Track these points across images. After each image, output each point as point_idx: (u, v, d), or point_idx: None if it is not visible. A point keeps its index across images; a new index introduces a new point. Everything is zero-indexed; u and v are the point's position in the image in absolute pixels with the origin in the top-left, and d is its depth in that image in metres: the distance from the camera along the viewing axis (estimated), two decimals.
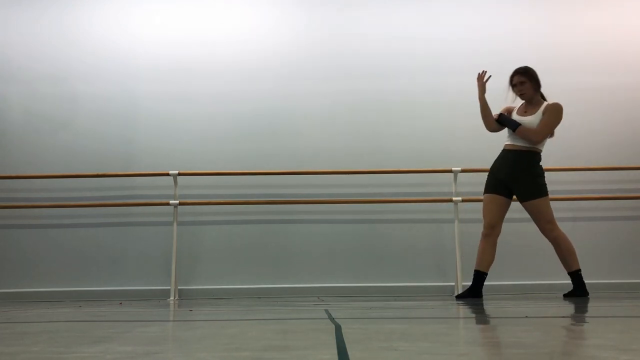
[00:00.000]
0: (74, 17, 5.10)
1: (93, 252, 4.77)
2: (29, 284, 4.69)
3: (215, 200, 4.75)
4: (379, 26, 5.12)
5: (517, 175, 3.84)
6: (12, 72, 5.02)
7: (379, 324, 2.18)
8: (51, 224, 4.81)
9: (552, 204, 4.82)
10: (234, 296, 4.56)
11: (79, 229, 4.81)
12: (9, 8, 5.08)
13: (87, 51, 5.05)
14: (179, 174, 4.68)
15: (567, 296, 3.94)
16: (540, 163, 3.91)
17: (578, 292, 3.89)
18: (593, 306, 2.93)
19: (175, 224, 4.59)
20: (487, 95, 4.05)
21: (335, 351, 1.32)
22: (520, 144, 3.88)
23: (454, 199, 4.60)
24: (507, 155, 3.91)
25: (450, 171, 4.70)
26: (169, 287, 4.56)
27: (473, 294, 3.84)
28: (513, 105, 4.05)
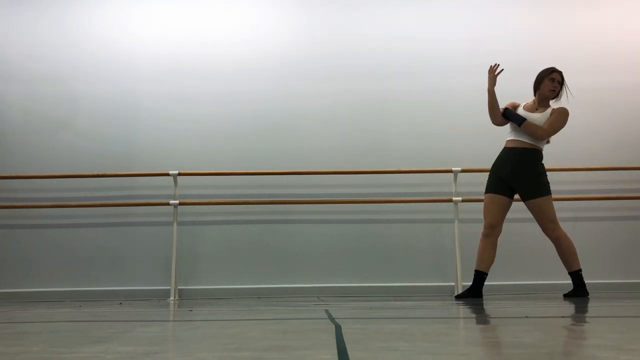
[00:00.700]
0: (73, 17, 5.10)
1: (93, 252, 4.77)
2: (29, 284, 4.69)
3: (215, 200, 4.75)
4: (379, 26, 5.12)
5: (519, 174, 3.83)
6: (12, 72, 5.02)
7: (379, 324, 2.17)
8: (51, 224, 4.81)
9: (553, 203, 4.82)
10: (234, 296, 4.56)
11: (79, 229, 4.81)
12: (8, 8, 5.08)
13: (87, 51, 5.05)
14: (179, 174, 4.67)
15: (567, 296, 3.94)
16: (543, 162, 3.91)
17: (578, 292, 3.88)
18: (593, 306, 2.93)
19: (175, 224, 4.59)
20: None
21: (335, 351, 1.32)
22: (523, 139, 3.87)
23: (454, 199, 4.60)
24: (508, 153, 3.90)
25: (450, 171, 4.69)
26: (169, 287, 4.56)
27: (473, 294, 3.83)
28: (518, 102, 4.05)
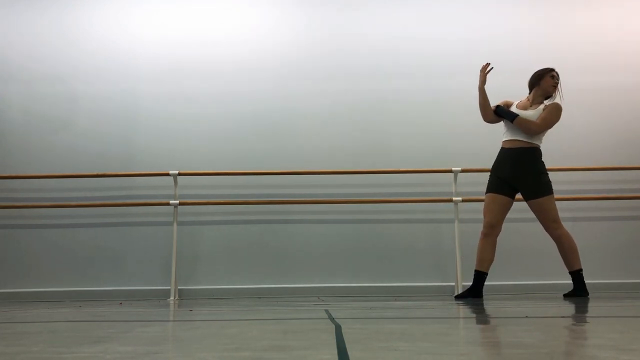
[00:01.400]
0: (74, 17, 5.10)
1: (93, 252, 4.77)
2: (29, 284, 4.69)
3: (215, 200, 4.75)
4: (379, 26, 5.12)
5: (519, 174, 3.83)
6: (12, 72, 5.02)
7: (379, 324, 2.17)
8: (51, 224, 4.81)
9: None
10: (234, 296, 4.56)
11: (79, 229, 4.81)
12: (9, 8, 5.08)
13: (87, 51, 5.05)
14: (179, 174, 4.68)
15: (567, 296, 3.94)
16: (542, 159, 3.90)
17: (578, 292, 3.88)
18: (593, 306, 2.93)
19: (175, 224, 4.59)
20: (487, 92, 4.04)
21: (335, 351, 1.32)
22: (519, 138, 3.86)
23: (454, 199, 4.60)
24: (506, 153, 3.90)
25: (450, 171, 4.69)
26: (169, 287, 4.56)
27: (473, 294, 3.83)
28: (511, 100, 4.05)
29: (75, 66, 5.02)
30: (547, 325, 1.94)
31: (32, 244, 4.77)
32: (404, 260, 4.76)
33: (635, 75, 5.06)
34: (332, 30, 5.12)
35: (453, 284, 4.59)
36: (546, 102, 3.97)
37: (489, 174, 4.03)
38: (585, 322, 2.07)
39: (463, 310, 2.82)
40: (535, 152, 3.87)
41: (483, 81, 3.98)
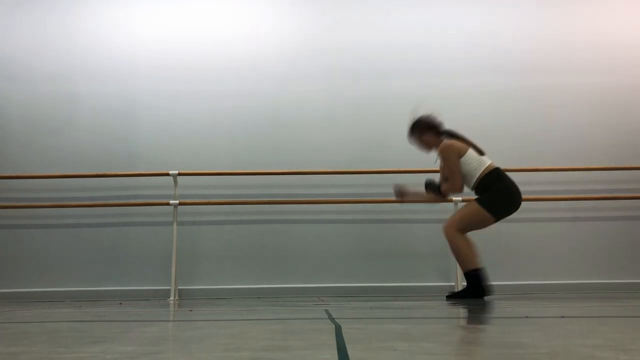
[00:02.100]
0: (74, 17, 5.11)
1: (93, 252, 4.77)
2: (29, 284, 4.70)
3: (215, 200, 4.75)
4: (379, 26, 5.12)
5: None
6: (13, 71, 5.02)
7: (379, 324, 2.17)
8: (51, 224, 4.82)
9: (552, 203, 4.83)
10: (234, 296, 4.56)
11: (79, 229, 4.81)
12: (10, 8, 5.08)
13: (88, 51, 5.05)
14: (179, 174, 4.68)
15: (450, 297, 3.77)
16: (505, 181, 3.75)
17: (462, 294, 3.73)
18: (593, 306, 2.93)
19: (175, 224, 4.59)
20: (489, 93, 4.03)
21: (335, 351, 1.32)
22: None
23: (453, 199, 4.60)
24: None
25: None
26: (169, 287, 4.56)
27: (477, 294, 3.74)
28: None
29: (76, 66, 5.03)
30: (547, 325, 1.94)
31: (32, 244, 4.77)
32: (404, 260, 4.76)
33: (635, 75, 5.07)
34: (332, 30, 5.12)
35: (453, 284, 4.59)
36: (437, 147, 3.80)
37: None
38: (585, 322, 2.07)
39: (463, 310, 2.82)
40: (480, 183, 3.72)
41: (414, 198, 3.86)
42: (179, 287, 4.63)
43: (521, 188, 4.86)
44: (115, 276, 4.74)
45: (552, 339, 1.52)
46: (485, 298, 3.65)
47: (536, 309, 2.82)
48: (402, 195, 3.87)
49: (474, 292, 3.65)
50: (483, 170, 3.73)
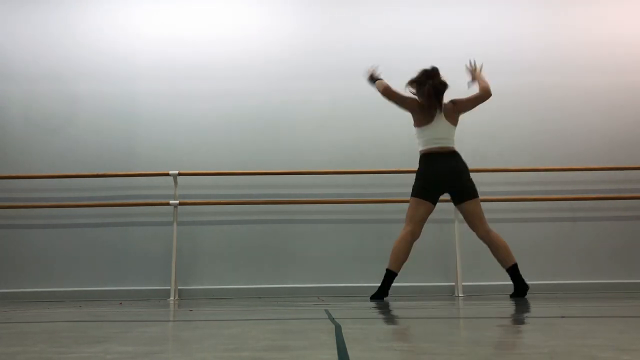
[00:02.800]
0: (74, 17, 5.11)
1: (93, 252, 4.77)
2: (29, 284, 4.70)
3: (215, 200, 4.75)
4: (379, 26, 5.12)
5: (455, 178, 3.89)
6: (13, 71, 5.02)
7: (379, 324, 2.17)
8: (51, 224, 4.82)
9: (552, 203, 4.84)
10: (234, 296, 4.56)
11: (79, 229, 4.81)
12: (9, 8, 5.08)
13: (88, 50, 5.05)
14: (179, 174, 4.68)
15: (512, 296, 3.88)
16: (420, 165, 3.98)
17: (521, 288, 3.84)
18: (593, 306, 2.93)
19: (175, 224, 4.59)
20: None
21: (335, 351, 1.32)
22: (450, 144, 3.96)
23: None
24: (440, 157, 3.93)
25: None
26: (169, 287, 4.56)
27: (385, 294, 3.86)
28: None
29: (76, 66, 5.03)
30: (547, 325, 1.94)
31: (33, 244, 4.78)
32: None
33: (636, 75, 5.07)
34: (332, 30, 5.13)
35: (453, 283, 4.59)
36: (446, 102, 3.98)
37: (440, 174, 3.95)
38: (585, 322, 2.07)
39: (463, 310, 2.82)
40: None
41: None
42: (179, 287, 4.63)
43: (521, 188, 4.87)
44: (115, 276, 4.74)
45: (552, 339, 1.52)
46: (384, 299, 3.83)
47: (536, 309, 2.82)
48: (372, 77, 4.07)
49: (380, 291, 3.86)
50: (422, 154, 4.01)
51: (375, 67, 4.07)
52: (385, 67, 5.09)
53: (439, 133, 3.90)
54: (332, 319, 2.20)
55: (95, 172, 4.77)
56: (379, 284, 3.95)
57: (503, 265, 3.89)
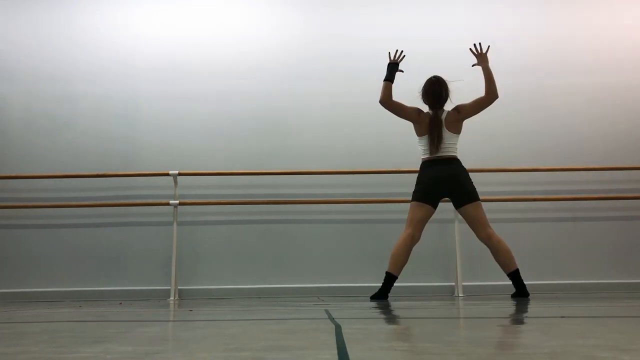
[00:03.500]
0: (74, 17, 5.11)
1: (93, 252, 4.77)
2: (29, 284, 4.70)
3: (215, 200, 4.75)
4: (379, 26, 5.12)
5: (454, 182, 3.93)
6: (13, 71, 5.02)
7: (379, 324, 2.18)
8: (51, 224, 4.82)
9: (552, 203, 4.84)
10: (234, 296, 4.56)
11: (79, 229, 4.81)
12: (9, 8, 5.08)
13: (87, 51, 5.05)
14: (179, 174, 4.68)
15: (513, 296, 3.91)
16: (420, 172, 4.01)
17: (521, 293, 3.87)
18: (593, 306, 2.93)
19: (175, 224, 4.59)
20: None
21: (335, 351, 1.32)
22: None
23: None
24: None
25: None
26: (169, 287, 4.56)
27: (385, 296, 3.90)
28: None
29: (76, 66, 5.03)
30: (547, 325, 1.94)
31: (33, 244, 4.77)
32: None
33: (636, 75, 5.07)
34: (332, 30, 5.13)
35: (453, 284, 4.59)
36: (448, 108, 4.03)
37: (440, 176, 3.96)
38: (585, 322, 2.07)
39: (463, 310, 2.82)
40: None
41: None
42: (179, 287, 4.63)
43: (521, 188, 4.87)
44: (115, 276, 4.74)
45: (552, 339, 1.52)
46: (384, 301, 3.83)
47: (536, 309, 2.82)
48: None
49: (380, 292, 3.90)
50: (421, 161, 4.03)
51: (401, 53, 4.09)
52: (385, 67, 5.10)
53: (437, 141, 3.93)
54: (332, 319, 2.20)
55: (95, 172, 4.77)
56: (380, 285, 3.95)
57: (504, 270, 3.90)
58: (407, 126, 5.14)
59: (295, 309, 2.99)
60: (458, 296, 4.32)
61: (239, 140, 4.94)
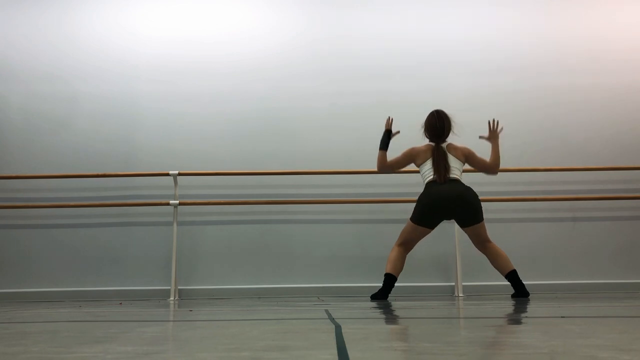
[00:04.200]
0: (73, 17, 5.11)
1: (93, 252, 4.77)
2: (29, 284, 4.70)
3: (215, 200, 4.75)
4: (379, 26, 5.12)
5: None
6: (12, 71, 5.02)
7: (379, 324, 2.18)
8: (51, 224, 4.82)
9: (552, 203, 4.84)
10: (234, 296, 4.56)
11: (79, 229, 4.81)
12: (9, 8, 5.08)
13: (87, 51, 5.05)
14: (179, 174, 4.68)
15: (514, 296, 3.92)
16: (424, 191, 3.97)
17: (521, 293, 3.88)
18: (593, 306, 2.93)
19: (175, 224, 4.59)
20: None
21: (335, 351, 1.32)
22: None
23: None
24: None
25: None
26: (169, 287, 4.56)
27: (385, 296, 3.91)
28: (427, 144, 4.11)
29: (75, 66, 5.03)
30: (547, 325, 1.94)
31: (32, 244, 4.77)
32: None
33: (635, 75, 5.07)
34: (332, 30, 5.13)
35: (453, 284, 4.59)
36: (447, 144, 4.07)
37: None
38: (585, 322, 2.07)
39: (463, 310, 2.82)
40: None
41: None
42: (179, 287, 4.63)
43: (521, 188, 4.87)
44: (115, 276, 4.74)
45: (552, 339, 1.52)
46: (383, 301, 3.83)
47: (536, 309, 2.82)
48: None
49: (381, 293, 3.91)
50: (425, 184, 3.99)
51: (391, 119, 4.13)
52: (386, 67, 5.11)
53: (443, 167, 3.94)
54: (332, 319, 2.20)
55: (95, 172, 4.77)
56: (380, 284, 3.95)
57: (501, 272, 3.91)
58: (407, 127, 5.15)
59: (295, 309, 2.99)
60: (458, 296, 4.32)
61: (239, 140, 4.94)
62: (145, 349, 1.42)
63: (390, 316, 2.52)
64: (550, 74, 5.06)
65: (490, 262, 3.94)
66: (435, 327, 1.93)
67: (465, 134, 4.93)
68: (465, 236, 4.49)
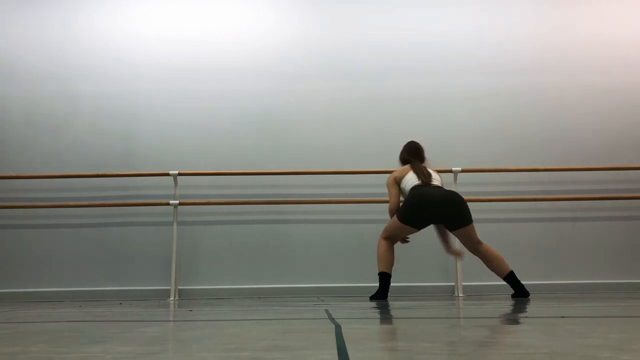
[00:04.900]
0: (73, 17, 5.11)
1: (93, 252, 4.77)
2: (29, 284, 4.70)
3: (215, 200, 4.75)
4: (379, 26, 5.12)
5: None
6: (13, 71, 5.02)
7: (379, 324, 2.18)
8: (51, 224, 4.82)
9: (553, 203, 4.84)
10: (234, 296, 4.56)
11: (79, 229, 4.81)
12: (9, 8, 5.08)
13: (87, 50, 5.05)
14: (179, 174, 4.68)
15: (514, 296, 3.94)
16: (409, 193, 3.96)
17: (520, 293, 3.90)
18: (593, 306, 2.93)
19: (175, 224, 4.59)
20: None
21: (335, 351, 1.32)
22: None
23: None
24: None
25: (451, 171, 4.69)
26: (169, 287, 4.56)
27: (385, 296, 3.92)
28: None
29: (75, 66, 5.03)
30: (547, 325, 1.94)
31: (32, 244, 4.77)
32: (404, 260, 4.75)
33: (635, 76, 5.07)
34: (332, 29, 5.13)
35: (453, 284, 4.59)
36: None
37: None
38: (585, 322, 2.07)
39: (463, 310, 2.82)
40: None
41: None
42: (179, 287, 4.63)
43: (521, 188, 4.87)
44: (115, 276, 4.74)
45: (552, 339, 1.52)
46: (386, 300, 3.84)
47: (536, 309, 2.82)
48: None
49: (380, 293, 3.90)
50: (409, 190, 3.97)
51: None
52: (386, 67, 5.11)
53: (424, 173, 3.98)
54: (332, 319, 2.20)
55: (95, 172, 4.77)
56: (378, 284, 3.95)
57: (499, 275, 3.92)
58: (407, 127, 5.15)
59: (295, 309, 2.99)
60: (458, 296, 4.32)
61: (239, 140, 4.94)
62: (145, 349, 1.42)
63: (390, 316, 2.52)
64: (550, 74, 5.06)
65: (485, 264, 3.95)
66: (435, 327, 1.93)
67: (465, 134, 4.94)
68: None
